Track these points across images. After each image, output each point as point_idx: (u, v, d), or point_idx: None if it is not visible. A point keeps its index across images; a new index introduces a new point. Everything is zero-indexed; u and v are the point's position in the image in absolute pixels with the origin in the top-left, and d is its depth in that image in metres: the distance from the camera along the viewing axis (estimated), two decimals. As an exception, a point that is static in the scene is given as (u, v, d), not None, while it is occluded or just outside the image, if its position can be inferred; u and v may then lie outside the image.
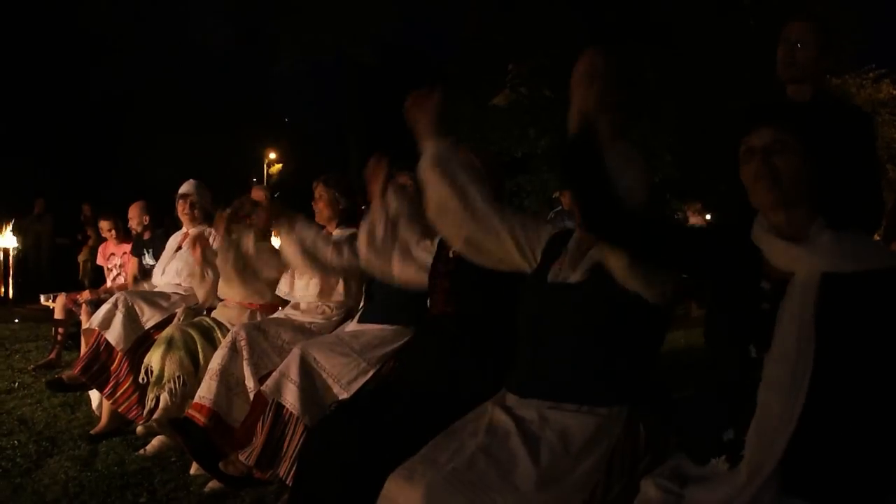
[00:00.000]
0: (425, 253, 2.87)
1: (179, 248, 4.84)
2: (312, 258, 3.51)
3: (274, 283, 4.07)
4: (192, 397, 3.66)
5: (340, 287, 3.77)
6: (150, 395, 3.92)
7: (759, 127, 1.69)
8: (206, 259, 4.30)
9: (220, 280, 4.26)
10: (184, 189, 4.85)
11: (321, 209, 3.89)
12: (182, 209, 4.82)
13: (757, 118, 1.71)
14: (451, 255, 2.71)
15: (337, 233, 3.83)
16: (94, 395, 4.55)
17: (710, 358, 1.77)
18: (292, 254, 3.53)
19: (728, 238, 1.82)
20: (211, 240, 4.48)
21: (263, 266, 4.10)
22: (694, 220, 10.47)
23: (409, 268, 2.92)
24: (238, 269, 4.07)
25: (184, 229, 4.94)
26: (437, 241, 2.85)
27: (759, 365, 1.60)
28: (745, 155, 1.71)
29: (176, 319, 4.30)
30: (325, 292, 3.79)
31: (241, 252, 4.07)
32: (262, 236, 4.31)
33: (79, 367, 4.30)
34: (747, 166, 1.70)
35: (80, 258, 11.21)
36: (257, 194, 5.13)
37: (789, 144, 1.64)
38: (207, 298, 4.42)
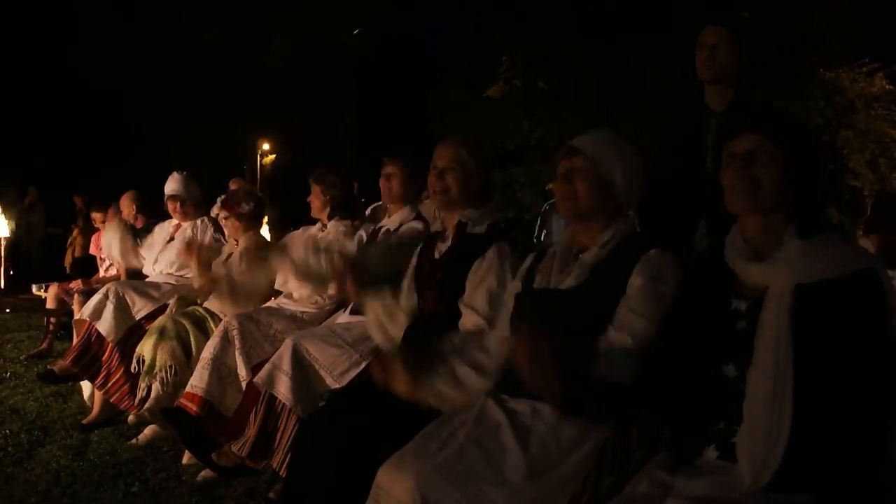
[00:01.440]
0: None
1: (171, 238, 4.84)
2: (306, 275, 3.49)
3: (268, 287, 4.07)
4: (184, 387, 3.66)
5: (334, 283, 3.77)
6: (142, 385, 3.92)
7: (742, 133, 1.70)
8: (202, 259, 4.31)
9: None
10: (171, 189, 4.83)
11: (312, 201, 3.93)
12: (173, 209, 4.83)
13: (741, 124, 1.73)
14: (436, 255, 2.71)
15: (331, 225, 3.85)
16: (86, 384, 4.55)
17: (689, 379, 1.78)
18: (291, 275, 3.56)
19: (697, 277, 1.85)
20: (205, 233, 4.51)
21: (256, 284, 4.08)
22: None
23: None
24: (233, 298, 4.06)
25: (175, 221, 4.94)
26: (418, 250, 2.85)
27: (737, 383, 1.63)
28: (727, 160, 1.72)
29: (168, 310, 4.30)
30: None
31: (232, 284, 4.05)
32: (249, 227, 4.31)
33: (70, 358, 4.30)
34: (727, 171, 1.71)
35: (68, 249, 11.22)
36: (235, 185, 5.16)
37: (770, 152, 1.66)
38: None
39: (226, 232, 4.74)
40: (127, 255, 5.05)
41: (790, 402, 1.53)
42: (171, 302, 4.37)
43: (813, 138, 1.78)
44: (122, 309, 4.38)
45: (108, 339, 4.28)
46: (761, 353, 1.59)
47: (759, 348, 1.59)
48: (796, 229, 1.65)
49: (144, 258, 5.00)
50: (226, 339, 3.57)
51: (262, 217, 4.44)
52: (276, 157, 26.09)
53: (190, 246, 4.33)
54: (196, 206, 4.84)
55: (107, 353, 4.27)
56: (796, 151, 1.67)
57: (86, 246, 8.46)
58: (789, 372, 1.54)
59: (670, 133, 3.40)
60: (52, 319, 6.30)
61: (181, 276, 4.68)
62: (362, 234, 3.61)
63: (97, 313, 4.34)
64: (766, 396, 1.55)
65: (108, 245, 5.20)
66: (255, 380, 3.15)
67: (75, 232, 10.74)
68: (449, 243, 2.68)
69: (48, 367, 4.72)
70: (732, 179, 1.69)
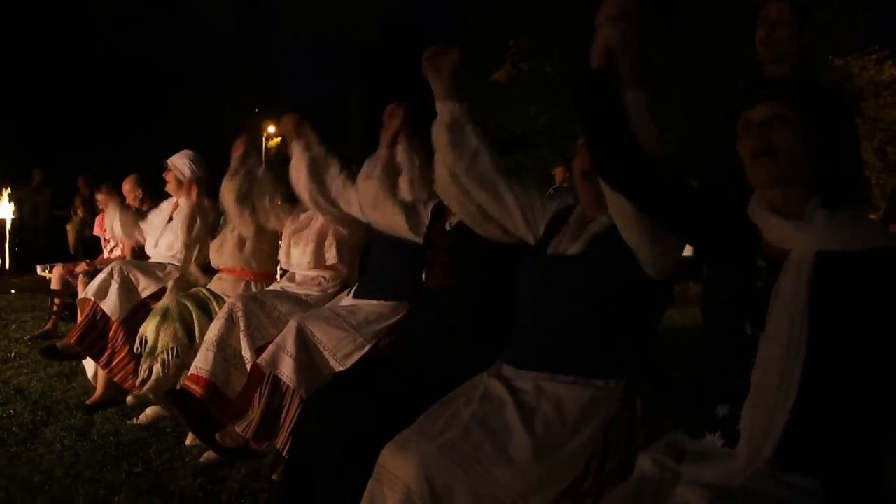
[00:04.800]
0: (423, 216, 2.87)
1: (171, 219, 4.81)
2: (316, 176, 3.44)
3: (269, 245, 4.06)
4: (187, 368, 3.66)
5: (333, 251, 3.74)
6: (144, 366, 3.92)
7: (758, 101, 1.68)
8: (200, 206, 4.36)
9: (215, 243, 4.25)
10: (169, 160, 4.83)
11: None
12: (168, 181, 4.81)
13: (757, 92, 1.70)
14: (447, 227, 2.70)
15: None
16: (90, 364, 4.55)
17: (707, 335, 1.76)
18: (302, 170, 3.47)
19: (728, 211, 1.81)
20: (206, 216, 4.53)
21: (263, 209, 4.04)
22: None
23: (398, 217, 2.90)
24: (240, 196, 4.01)
25: (173, 199, 4.90)
26: (429, 209, 2.84)
27: (754, 342, 1.60)
28: (744, 129, 1.69)
29: (168, 291, 4.28)
30: (318, 258, 3.76)
31: (249, 179, 4.02)
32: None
33: (74, 337, 4.29)
34: (745, 140, 1.69)
35: (71, 227, 11.22)
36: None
37: (788, 119, 1.63)
38: (191, 251, 4.46)
39: None
40: (130, 232, 5.05)
41: (799, 370, 1.51)
42: (170, 285, 4.36)
43: (838, 104, 1.74)
44: (127, 288, 4.38)
45: (113, 318, 4.28)
46: (776, 319, 1.56)
47: (773, 313, 1.56)
48: (820, 201, 1.62)
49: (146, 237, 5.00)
50: (230, 321, 3.57)
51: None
52: (281, 141, 26.07)
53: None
54: (190, 184, 4.78)
55: (111, 332, 4.27)
56: (812, 116, 1.64)
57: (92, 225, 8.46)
58: (803, 341, 1.51)
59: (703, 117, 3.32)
60: (57, 300, 6.30)
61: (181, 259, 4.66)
62: None
63: (102, 292, 4.34)
64: (776, 364, 1.53)
65: (110, 227, 5.20)
66: (259, 361, 3.14)
67: (80, 212, 10.74)
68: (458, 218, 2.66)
69: (45, 337, 4.71)
70: (752, 147, 1.66)
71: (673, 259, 1.98)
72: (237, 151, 4.09)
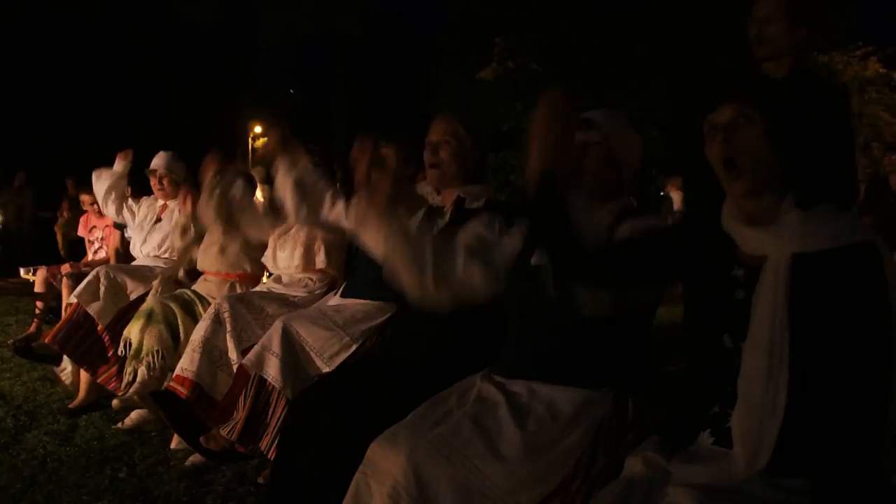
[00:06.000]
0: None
1: (158, 219, 4.78)
2: (304, 197, 3.35)
3: (254, 248, 4.02)
4: (172, 370, 3.62)
5: (322, 255, 3.71)
6: (128, 369, 3.88)
7: (721, 103, 1.65)
8: (195, 216, 4.24)
9: (201, 247, 4.21)
10: (153, 164, 4.80)
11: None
12: (153, 184, 4.78)
13: (720, 94, 1.67)
14: (434, 232, 2.66)
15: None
16: (72, 369, 4.49)
17: (690, 348, 1.75)
18: (287, 189, 3.37)
19: (698, 229, 1.80)
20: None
21: (247, 221, 3.99)
22: (674, 195, 10.50)
23: None
24: (221, 215, 3.97)
25: (160, 202, 4.87)
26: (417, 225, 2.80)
27: (735, 354, 1.58)
28: (710, 132, 1.67)
29: (153, 291, 4.24)
30: (308, 261, 3.72)
31: (227, 197, 3.97)
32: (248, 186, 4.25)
33: (53, 337, 4.24)
34: (711, 145, 1.66)
35: (58, 229, 11.13)
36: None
37: (752, 119, 1.61)
38: (183, 256, 4.39)
39: None
40: (107, 200, 5.00)
41: (786, 378, 1.49)
42: (155, 283, 4.32)
43: (824, 101, 1.73)
44: (115, 291, 4.34)
45: (99, 322, 4.24)
46: (757, 326, 1.54)
47: (755, 320, 1.54)
48: (794, 199, 1.60)
49: (124, 215, 4.96)
50: (217, 322, 3.53)
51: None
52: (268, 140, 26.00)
53: (187, 198, 4.36)
54: (176, 185, 4.77)
55: (97, 336, 4.22)
56: (780, 115, 1.62)
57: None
58: (785, 346, 1.50)
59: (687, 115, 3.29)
60: (40, 303, 6.23)
61: (168, 258, 4.63)
62: None
63: (88, 296, 4.29)
64: (761, 372, 1.51)
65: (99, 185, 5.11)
66: (244, 362, 3.11)
67: (66, 214, 10.64)
68: (447, 219, 2.63)
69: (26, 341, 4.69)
70: (719, 152, 1.64)
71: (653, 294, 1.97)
72: (210, 170, 4.02)
